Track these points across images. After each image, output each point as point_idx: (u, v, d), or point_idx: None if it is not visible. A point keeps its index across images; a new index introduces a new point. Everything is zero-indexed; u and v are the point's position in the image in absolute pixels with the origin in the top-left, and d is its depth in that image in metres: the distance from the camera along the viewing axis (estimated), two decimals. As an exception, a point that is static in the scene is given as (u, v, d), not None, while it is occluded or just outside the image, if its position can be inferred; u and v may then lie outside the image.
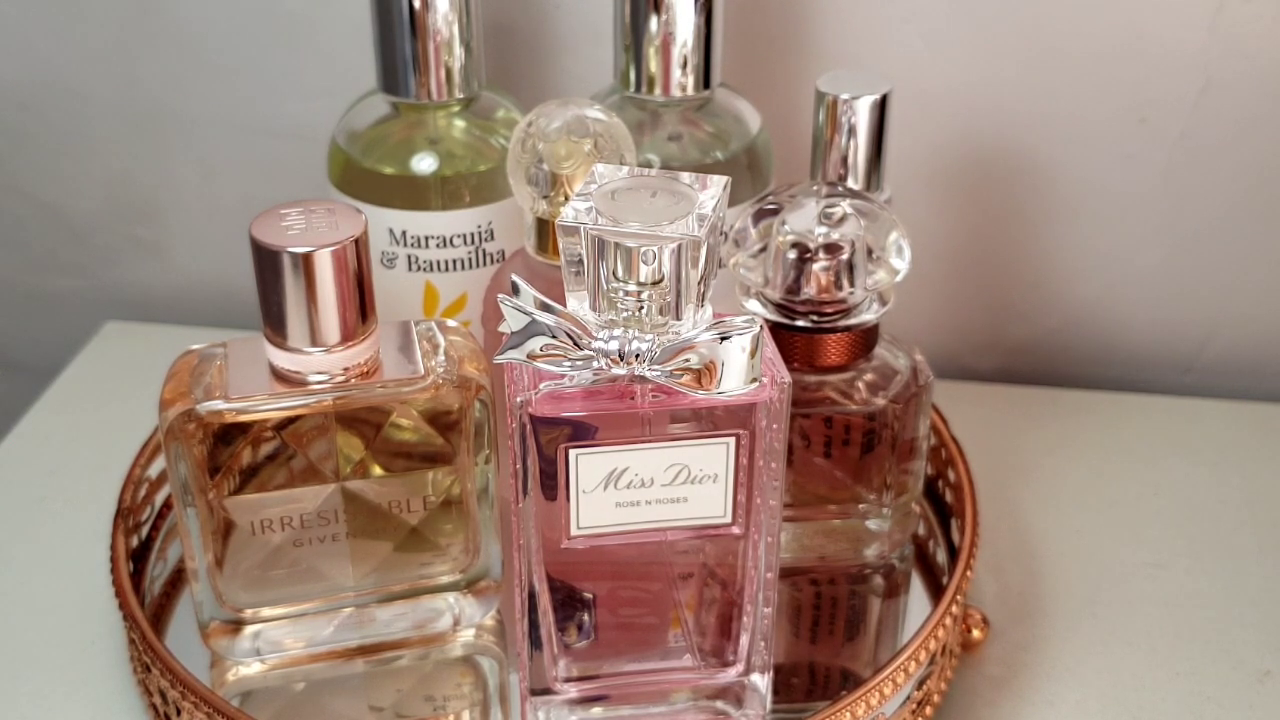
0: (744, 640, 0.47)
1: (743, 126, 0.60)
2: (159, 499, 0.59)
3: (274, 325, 0.47)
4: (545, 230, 0.52)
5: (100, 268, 0.80)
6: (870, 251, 0.51)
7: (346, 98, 0.62)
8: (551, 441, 0.43)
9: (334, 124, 0.61)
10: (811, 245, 0.50)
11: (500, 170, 0.58)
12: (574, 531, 0.44)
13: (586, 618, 0.47)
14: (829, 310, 0.51)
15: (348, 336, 0.47)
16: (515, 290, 0.42)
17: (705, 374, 0.41)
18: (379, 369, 0.49)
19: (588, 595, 0.47)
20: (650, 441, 0.43)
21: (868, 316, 0.52)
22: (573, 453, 0.43)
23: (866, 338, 0.53)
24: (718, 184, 0.42)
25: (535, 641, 0.47)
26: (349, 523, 0.50)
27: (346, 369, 0.48)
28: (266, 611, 0.51)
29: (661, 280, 0.41)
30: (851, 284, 0.51)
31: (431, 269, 0.59)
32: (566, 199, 0.50)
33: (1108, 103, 0.67)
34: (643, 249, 0.40)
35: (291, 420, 0.48)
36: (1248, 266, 0.71)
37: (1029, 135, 0.68)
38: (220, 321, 0.78)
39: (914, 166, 0.69)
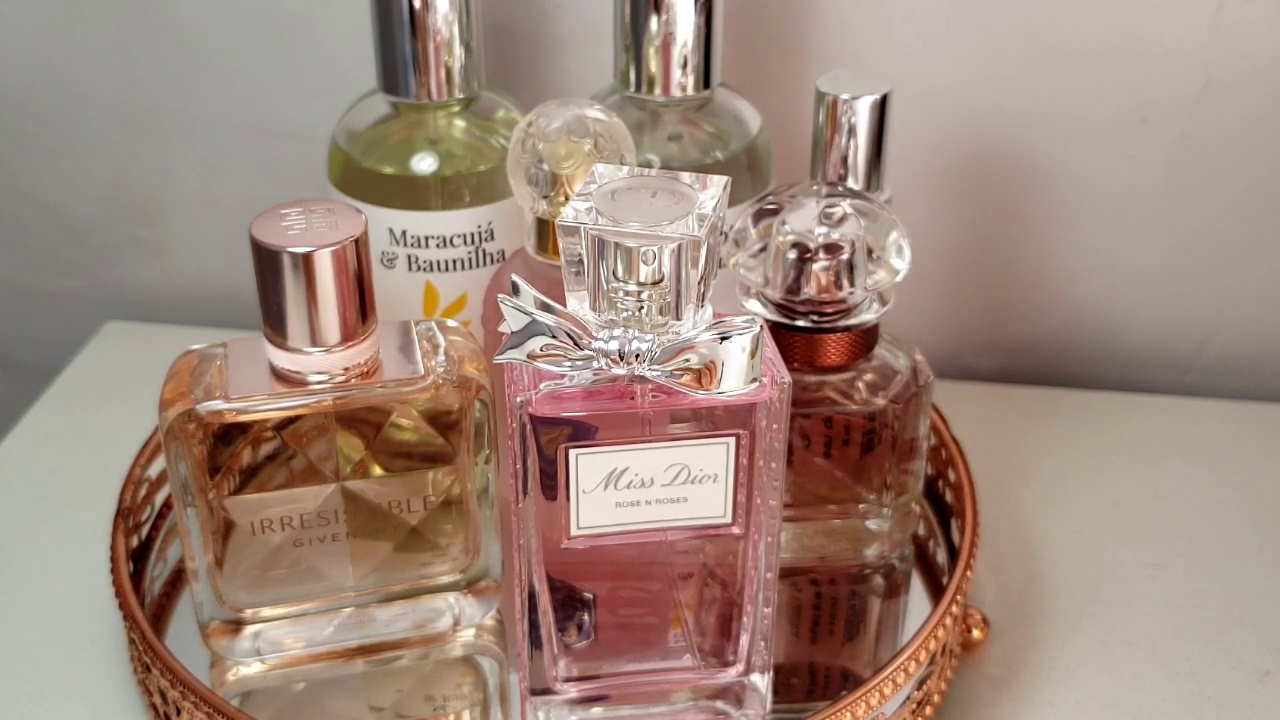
0: (744, 640, 0.47)
1: (743, 126, 0.60)
2: (159, 499, 0.59)
3: (274, 325, 0.47)
4: (545, 230, 0.51)
5: (100, 268, 0.80)
6: (870, 251, 0.51)
7: (346, 98, 0.62)
8: (551, 441, 0.43)
9: (334, 124, 0.61)
10: (811, 245, 0.50)
11: (500, 170, 0.58)
12: (574, 531, 0.44)
13: (586, 618, 0.47)
14: (829, 310, 0.51)
15: (348, 336, 0.47)
16: (515, 290, 0.42)
17: (705, 374, 0.41)
18: (379, 369, 0.49)
19: (588, 595, 0.47)
20: (650, 441, 0.43)
21: (868, 316, 0.52)
22: (573, 453, 0.43)
23: (866, 338, 0.53)
24: (718, 184, 0.42)
25: (535, 641, 0.46)
26: (349, 523, 0.50)
27: (346, 369, 0.48)
28: (266, 611, 0.51)
29: (661, 280, 0.41)
30: (851, 284, 0.51)
31: (431, 269, 0.59)
32: (566, 199, 0.50)
33: (1108, 103, 0.67)
34: (643, 249, 0.40)
35: (291, 420, 0.48)
36: (1248, 266, 0.71)
37: (1029, 135, 0.68)
38: (220, 321, 0.78)
39: (914, 166, 0.69)
